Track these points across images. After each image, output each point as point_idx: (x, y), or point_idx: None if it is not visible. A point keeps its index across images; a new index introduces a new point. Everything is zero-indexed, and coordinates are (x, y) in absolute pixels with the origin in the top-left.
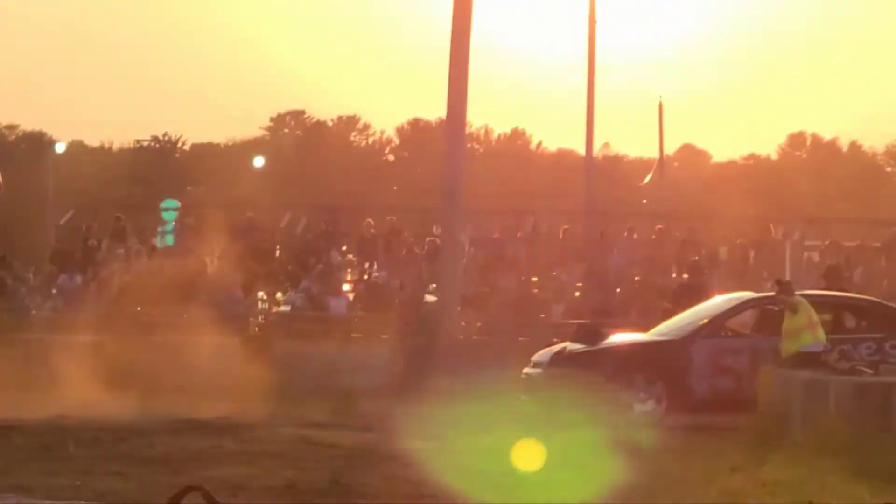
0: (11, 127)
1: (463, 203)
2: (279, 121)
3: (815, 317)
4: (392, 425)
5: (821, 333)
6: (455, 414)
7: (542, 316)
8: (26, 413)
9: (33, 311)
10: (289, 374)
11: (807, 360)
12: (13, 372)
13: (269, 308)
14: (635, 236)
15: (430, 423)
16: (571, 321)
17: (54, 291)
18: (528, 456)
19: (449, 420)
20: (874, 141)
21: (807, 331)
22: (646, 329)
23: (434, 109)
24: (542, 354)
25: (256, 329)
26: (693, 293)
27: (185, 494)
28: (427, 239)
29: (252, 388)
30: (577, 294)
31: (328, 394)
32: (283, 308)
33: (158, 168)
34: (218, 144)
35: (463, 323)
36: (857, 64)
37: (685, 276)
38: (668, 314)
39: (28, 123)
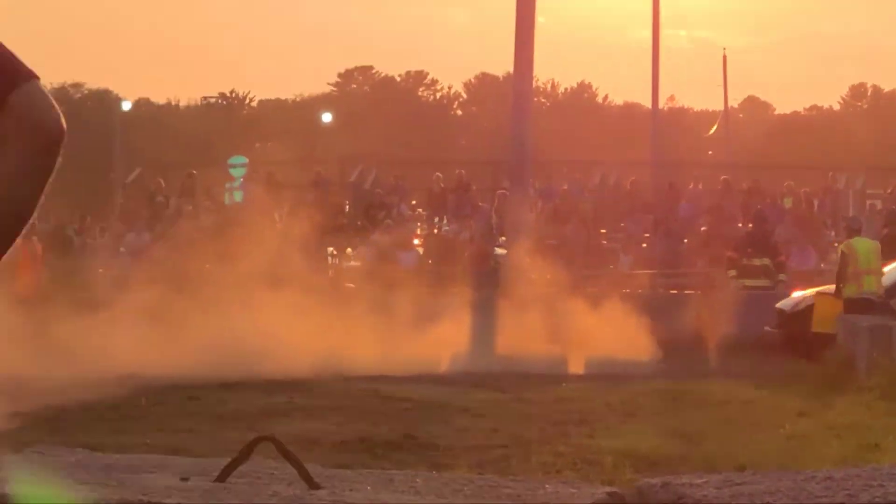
0: (77, 85)
1: (531, 156)
2: (347, 76)
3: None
4: (464, 378)
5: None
6: (525, 365)
7: (611, 267)
8: (96, 372)
9: (100, 270)
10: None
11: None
12: (83, 331)
13: (339, 263)
14: (701, 187)
15: (503, 374)
16: (640, 271)
17: (122, 249)
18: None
19: (520, 372)
20: None
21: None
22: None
23: (501, 64)
24: None
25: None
26: (757, 242)
27: (256, 444)
28: (496, 192)
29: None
30: (645, 245)
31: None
32: (353, 263)
33: (226, 125)
34: (286, 100)
35: (532, 275)
36: None
37: (750, 225)
38: (732, 263)
39: (94, 81)
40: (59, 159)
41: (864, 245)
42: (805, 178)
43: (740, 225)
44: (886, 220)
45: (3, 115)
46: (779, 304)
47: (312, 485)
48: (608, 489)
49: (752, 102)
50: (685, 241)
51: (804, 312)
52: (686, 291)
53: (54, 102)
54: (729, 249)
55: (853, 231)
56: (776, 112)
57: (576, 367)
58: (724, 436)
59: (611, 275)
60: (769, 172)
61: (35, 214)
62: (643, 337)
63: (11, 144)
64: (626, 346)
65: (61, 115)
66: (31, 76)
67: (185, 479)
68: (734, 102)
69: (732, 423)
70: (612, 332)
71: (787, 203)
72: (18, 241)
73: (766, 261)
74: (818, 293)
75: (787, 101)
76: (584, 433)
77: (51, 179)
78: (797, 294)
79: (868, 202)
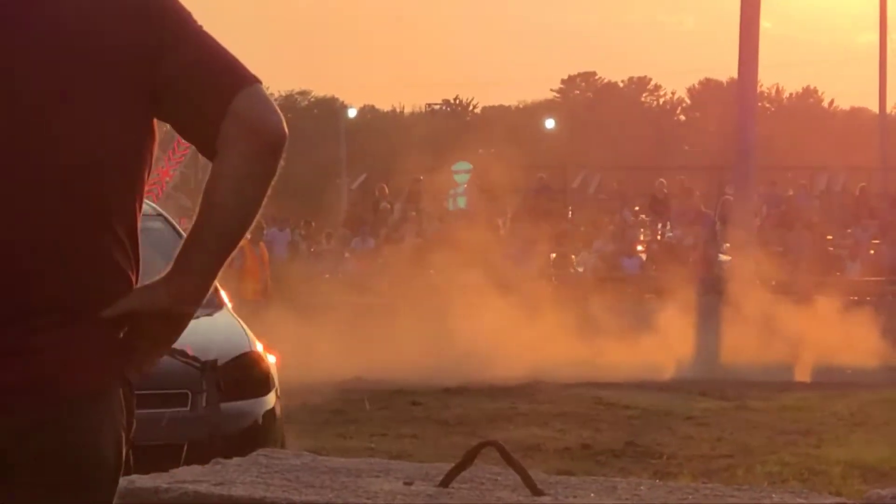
0: (304, 93)
1: (755, 161)
2: (570, 82)
3: None
4: (687, 385)
5: None
6: (749, 373)
7: (838, 274)
8: (321, 376)
9: (326, 275)
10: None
11: None
12: (308, 335)
13: (562, 269)
14: None
15: (727, 382)
16: (868, 279)
17: (347, 255)
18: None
19: (744, 379)
20: None
21: None
22: None
23: (725, 69)
24: None
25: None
26: None
27: (480, 449)
28: (720, 198)
29: (550, 349)
30: (872, 252)
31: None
32: (577, 269)
33: (450, 131)
34: (509, 107)
35: (757, 282)
36: None
37: None
38: None
39: (320, 89)
40: (282, 162)
41: None
42: None
43: None
44: None
45: (227, 119)
46: None
47: (536, 491)
48: (836, 499)
49: None
50: None
51: None
52: None
53: (276, 107)
54: None
55: None
56: None
57: (802, 375)
58: None
59: (838, 282)
60: None
61: (260, 218)
62: (872, 344)
63: (234, 146)
64: (854, 353)
65: (283, 119)
66: (253, 80)
67: (408, 484)
68: None
69: None
70: (839, 340)
71: None
72: (246, 244)
73: None
74: None
75: None
76: (811, 443)
77: (273, 182)
78: None
79: None
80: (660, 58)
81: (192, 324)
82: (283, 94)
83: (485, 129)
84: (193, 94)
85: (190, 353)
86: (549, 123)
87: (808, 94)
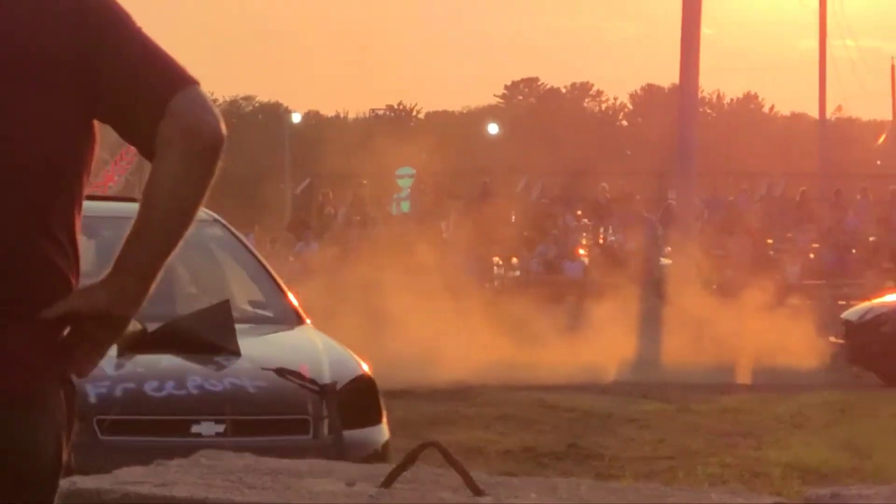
0: (248, 98)
1: (697, 166)
2: (513, 88)
3: None
4: (629, 387)
5: None
6: (690, 375)
7: (778, 277)
8: None
9: None
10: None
11: None
12: None
13: (505, 273)
14: (870, 197)
15: (668, 384)
16: (808, 282)
17: (291, 259)
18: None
19: (685, 382)
20: None
21: None
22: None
23: (667, 75)
24: None
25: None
26: None
27: (422, 451)
28: (662, 203)
29: (492, 352)
30: (812, 255)
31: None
32: (520, 272)
33: (394, 136)
34: (452, 112)
35: (698, 286)
36: None
37: None
38: (888, 275)
39: (265, 94)
40: (220, 164)
41: None
42: None
43: None
44: None
45: (164, 120)
46: (844, 315)
47: (477, 491)
48: (776, 500)
49: None
50: (853, 251)
51: (872, 322)
52: (853, 302)
53: (214, 108)
54: (887, 261)
55: None
56: None
57: (742, 377)
58: (895, 447)
59: (778, 285)
60: None
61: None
62: (811, 348)
63: (172, 147)
64: (794, 357)
65: (221, 120)
66: (191, 81)
67: (350, 485)
68: None
69: None
70: (779, 343)
71: None
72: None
73: None
74: None
75: None
76: (751, 445)
77: (211, 184)
78: (864, 305)
79: None
80: (602, 64)
81: (279, 339)
82: (228, 99)
83: (428, 135)
84: (131, 95)
85: (307, 375)
86: (493, 129)
87: (749, 99)
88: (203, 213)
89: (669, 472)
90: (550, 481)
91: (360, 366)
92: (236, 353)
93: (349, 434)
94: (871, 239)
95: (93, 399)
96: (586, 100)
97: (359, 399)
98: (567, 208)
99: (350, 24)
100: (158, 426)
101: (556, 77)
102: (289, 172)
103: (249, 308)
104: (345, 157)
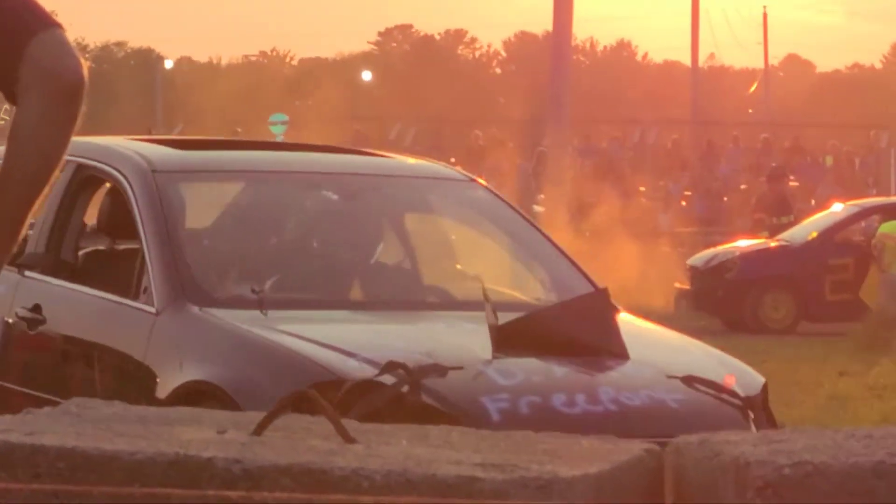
0: (120, 44)
1: (570, 114)
2: (387, 35)
3: None
4: None
5: None
6: None
7: (651, 225)
8: None
9: None
10: None
11: None
12: None
13: None
14: (741, 145)
15: None
16: (680, 229)
17: None
18: None
19: None
20: None
21: None
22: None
23: (540, 23)
24: None
25: None
26: (774, 201)
27: (294, 398)
28: (535, 150)
29: None
30: (684, 203)
31: None
32: None
33: (267, 83)
34: (326, 59)
35: (571, 233)
36: None
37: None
38: (762, 224)
39: (137, 40)
40: (83, 107)
41: None
42: (846, 137)
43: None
44: None
45: (23, 63)
46: (690, 261)
47: (348, 439)
48: (646, 445)
49: (793, 61)
50: (725, 199)
51: (717, 269)
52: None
53: (74, 50)
54: (756, 211)
55: None
56: (817, 70)
57: None
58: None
59: (650, 233)
60: (810, 131)
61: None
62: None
63: (32, 91)
64: (665, 303)
65: (81, 62)
66: (51, 23)
67: (221, 432)
68: (775, 61)
69: (771, 381)
70: (650, 291)
71: (829, 161)
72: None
73: (791, 218)
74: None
75: (828, 60)
76: None
77: (75, 128)
78: (709, 251)
79: None
80: (476, 11)
81: (637, 332)
82: (100, 45)
83: (302, 81)
84: None
85: (730, 385)
86: (366, 76)
87: (622, 47)
88: (456, 172)
89: None
90: (422, 428)
91: (756, 373)
92: (623, 355)
93: None
94: (742, 187)
95: (495, 416)
96: (460, 47)
97: (769, 416)
98: (441, 156)
99: None
100: None
101: (431, 24)
102: (161, 119)
103: (542, 293)
104: (218, 104)
